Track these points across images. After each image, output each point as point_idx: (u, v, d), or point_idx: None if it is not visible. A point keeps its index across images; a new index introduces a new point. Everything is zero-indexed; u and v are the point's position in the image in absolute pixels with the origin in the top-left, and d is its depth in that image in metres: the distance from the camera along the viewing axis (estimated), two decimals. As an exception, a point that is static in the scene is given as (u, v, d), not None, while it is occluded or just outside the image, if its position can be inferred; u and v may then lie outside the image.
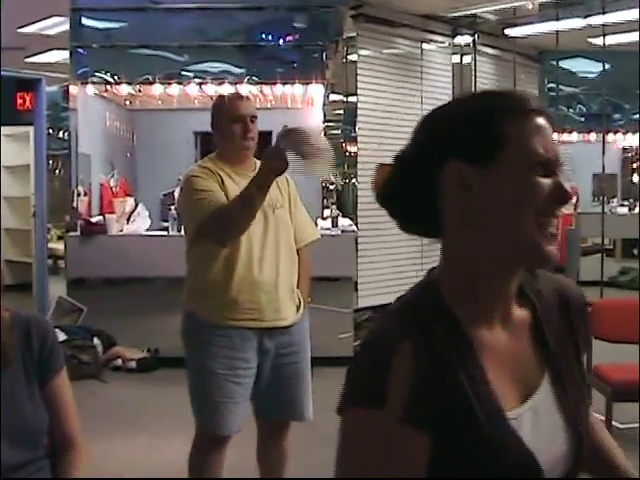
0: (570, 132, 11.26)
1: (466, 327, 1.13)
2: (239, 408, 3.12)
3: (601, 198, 10.45)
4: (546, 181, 1.11)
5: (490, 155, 1.11)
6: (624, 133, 11.16)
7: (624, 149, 11.47)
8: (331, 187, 8.05)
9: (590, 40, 10.10)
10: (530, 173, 1.10)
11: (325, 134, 7.78)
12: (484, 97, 1.20)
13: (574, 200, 11.32)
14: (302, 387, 3.27)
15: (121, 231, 7.01)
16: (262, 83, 7.31)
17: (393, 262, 9.44)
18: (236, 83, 7.39)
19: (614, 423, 4.59)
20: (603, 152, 10.02)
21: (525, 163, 1.10)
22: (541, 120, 1.14)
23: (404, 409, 1.05)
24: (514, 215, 1.10)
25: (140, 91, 7.74)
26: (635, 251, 10.84)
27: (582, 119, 11.38)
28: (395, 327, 1.11)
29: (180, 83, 7.45)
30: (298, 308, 3.23)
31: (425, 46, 10.01)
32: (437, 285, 1.17)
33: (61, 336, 5.94)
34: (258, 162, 3.11)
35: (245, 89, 7.36)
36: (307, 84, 7.48)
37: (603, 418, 4.64)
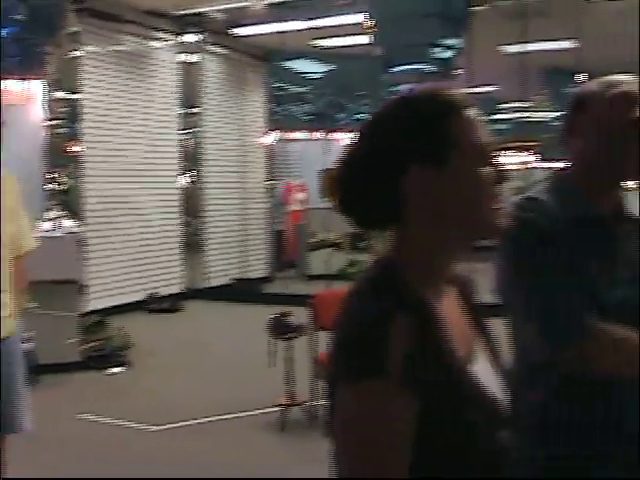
0: (296, 130, 11.62)
1: (429, 301, 1.27)
2: None
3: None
4: (489, 169, 1.27)
5: (445, 158, 1.26)
6: (348, 131, 11.69)
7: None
8: (57, 188, 7.73)
9: (315, 42, 10.45)
10: (479, 166, 1.27)
11: (51, 133, 7.49)
12: (421, 101, 1.30)
13: (304, 196, 11.71)
14: (14, 399, 3.08)
15: None
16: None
17: (124, 262, 9.25)
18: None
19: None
20: (329, 149, 10.44)
21: (473, 159, 1.26)
22: (473, 113, 1.29)
23: (403, 374, 1.16)
24: (473, 205, 1.27)
25: None
26: None
27: (308, 117, 11.77)
28: (385, 302, 1.21)
29: None
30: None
31: (151, 43, 9.91)
32: (396, 268, 1.28)
33: None
34: None
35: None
36: (27, 79, 7.09)
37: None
